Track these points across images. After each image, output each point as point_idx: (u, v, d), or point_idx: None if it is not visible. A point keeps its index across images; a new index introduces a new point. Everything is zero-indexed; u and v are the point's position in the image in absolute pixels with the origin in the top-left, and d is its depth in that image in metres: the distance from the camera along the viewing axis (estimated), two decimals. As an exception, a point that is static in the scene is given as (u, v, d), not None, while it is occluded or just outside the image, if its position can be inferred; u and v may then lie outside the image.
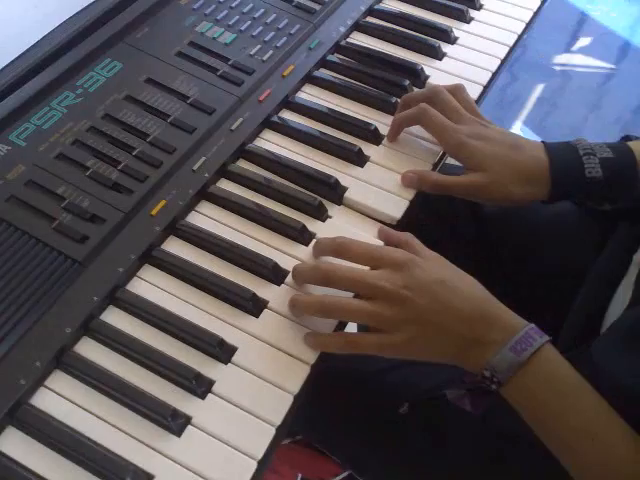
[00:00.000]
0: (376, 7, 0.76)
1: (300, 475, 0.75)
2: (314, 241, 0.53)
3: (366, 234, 0.55)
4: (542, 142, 0.59)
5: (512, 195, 0.56)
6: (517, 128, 1.74)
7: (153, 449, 0.42)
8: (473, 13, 0.78)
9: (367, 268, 0.49)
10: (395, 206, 0.57)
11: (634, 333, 0.47)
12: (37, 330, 0.46)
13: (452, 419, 0.59)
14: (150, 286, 0.51)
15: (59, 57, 0.60)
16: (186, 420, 0.44)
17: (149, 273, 0.52)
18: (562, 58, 1.98)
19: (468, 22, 0.77)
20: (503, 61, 0.73)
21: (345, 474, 0.66)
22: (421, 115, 0.58)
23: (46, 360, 0.44)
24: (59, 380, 0.45)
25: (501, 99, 1.82)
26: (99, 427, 0.43)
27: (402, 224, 0.57)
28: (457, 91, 0.61)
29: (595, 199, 0.58)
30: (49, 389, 0.44)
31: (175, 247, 0.54)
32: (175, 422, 0.43)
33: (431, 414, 0.59)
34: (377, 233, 0.54)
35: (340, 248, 0.50)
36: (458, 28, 0.76)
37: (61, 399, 0.44)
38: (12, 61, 0.58)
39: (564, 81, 1.92)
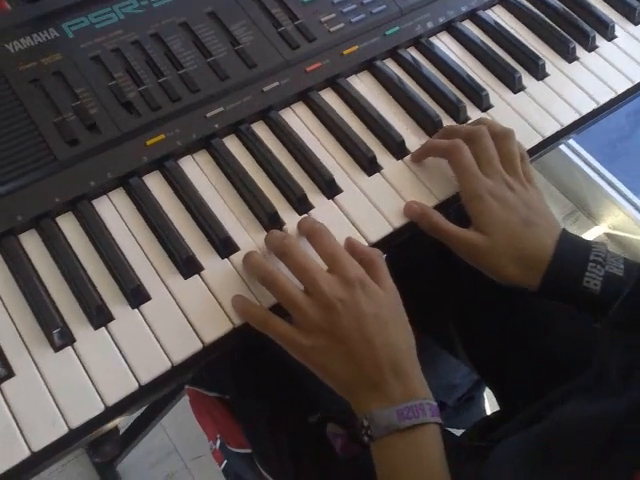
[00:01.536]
0: (480, 13, 0.67)
1: (219, 439, 0.74)
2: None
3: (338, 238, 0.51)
4: (563, 229, 0.51)
5: (504, 272, 0.51)
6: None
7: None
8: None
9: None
10: (376, 228, 0.53)
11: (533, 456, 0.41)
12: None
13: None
14: (113, 210, 0.51)
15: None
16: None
17: (119, 198, 0.52)
18: None
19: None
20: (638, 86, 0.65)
21: (249, 451, 0.66)
22: (453, 152, 0.53)
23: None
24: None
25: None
26: None
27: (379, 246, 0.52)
28: (503, 139, 0.54)
29: (587, 312, 0.50)
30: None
31: (154, 183, 0.53)
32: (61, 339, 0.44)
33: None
34: (344, 242, 0.51)
35: (313, 234, 0.48)
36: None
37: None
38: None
39: None
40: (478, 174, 0.51)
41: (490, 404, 0.98)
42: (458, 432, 0.98)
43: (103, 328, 0.46)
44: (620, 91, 0.63)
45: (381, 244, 0.52)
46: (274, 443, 0.61)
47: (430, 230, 0.52)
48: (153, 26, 0.58)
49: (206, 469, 1.08)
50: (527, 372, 0.65)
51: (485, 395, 0.95)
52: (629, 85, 0.64)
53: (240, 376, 0.65)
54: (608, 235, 1.45)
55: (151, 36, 0.58)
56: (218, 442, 0.70)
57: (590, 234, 1.45)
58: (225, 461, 0.72)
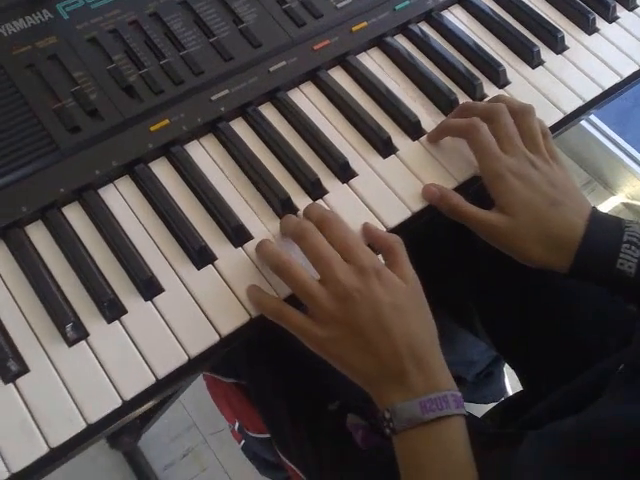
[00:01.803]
0: (493, -15, 0.71)
1: (237, 423, 0.80)
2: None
3: (355, 224, 0.55)
4: (593, 207, 0.55)
5: (529, 254, 0.54)
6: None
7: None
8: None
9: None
10: (394, 212, 0.57)
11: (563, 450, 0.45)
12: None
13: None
14: (120, 199, 0.55)
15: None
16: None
17: (125, 186, 0.56)
18: None
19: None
20: None
21: (267, 436, 0.71)
22: (470, 131, 0.56)
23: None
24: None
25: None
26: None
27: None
28: (522, 115, 0.57)
29: (621, 294, 0.54)
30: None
31: (161, 170, 0.57)
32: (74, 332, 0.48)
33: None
34: (361, 228, 0.54)
35: (324, 222, 0.51)
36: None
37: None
38: None
39: None
40: (498, 153, 0.55)
41: (510, 380, 1.05)
42: (478, 407, 1.04)
43: (117, 322, 0.50)
44: (644, 63, 0.67)
45: (399, 229, 0.56)
46: (293, 430, 0.65)
47: (450, 213, 0.56)
48: (152, 5, 0.62)
49: (225, 443, 1.18)
50: (551, 353, 0.69)
51: (505, 371, 1.01)
52: (653, 57, 0.68)
53: (256, 363, 0.69)
54: (626, 205, 1.52)
55: (150, 15, 0.61)
56: (237, 425, 0.74)
57: (607, 204, 1.52)
58: (243, 441, 0.77)
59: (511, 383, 1.07)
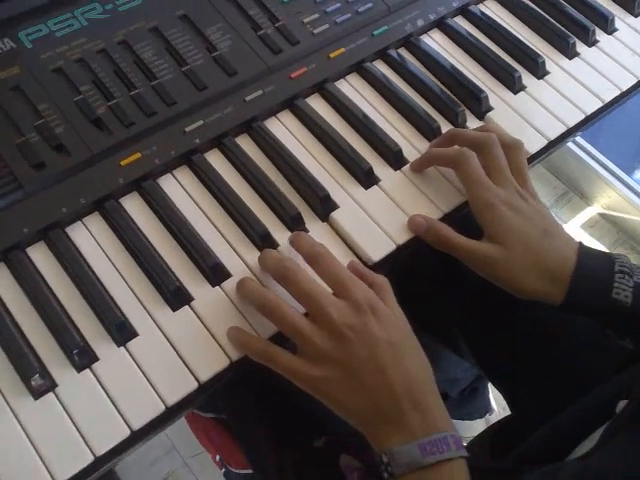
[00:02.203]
0: (472, 8, 0.71)
1: (218, 456, 0.78)
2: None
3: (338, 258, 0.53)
4: (579, 243, 0.55)
5: (521, 285, 0.53)
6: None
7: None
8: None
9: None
10: (378, 245, 0.56)
11: None
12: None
13: None
14: (89, 238, 0.53)
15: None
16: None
17: (95, 224, 0.54)
18: None
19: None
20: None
21: (250, 471, 0.69)
22: (460, 162, 0.56)
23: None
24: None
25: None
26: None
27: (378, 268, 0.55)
28: (514, 149, 0.57)
29: (616, 328, 0.54)
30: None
31: (132, 206, 0.55)
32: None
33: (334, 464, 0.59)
34: (347, 267, 0.53)
35: (315, 257, 0.50)
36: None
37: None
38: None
39: None
40: (489, 183, 0.55)
41: (494, 395, 1.06)
42: (463, 425, 1.03)
43: (87, 370, 0.47)
44: (625, 88, 0.68)
45: (384, 263, 0.55)
46: (278, 467, 0.63)
47: (438, 244, 0.55)
48: (120, 32, 0.60)
49: (207, 467, 1.15)
50: (538, 378, 0.69)
51: (490, 386, 1.02)
52: (634, 81, 0.69)
53: (237, 397, 0.67)
54: (602, 215, 1.55)
55: (119, 44, 0.60)
56: (217, 457, 0.73)
57: (583, 215, 1.55)
58: (224, 469, 0.75)
59: (496, 398, 1.08)
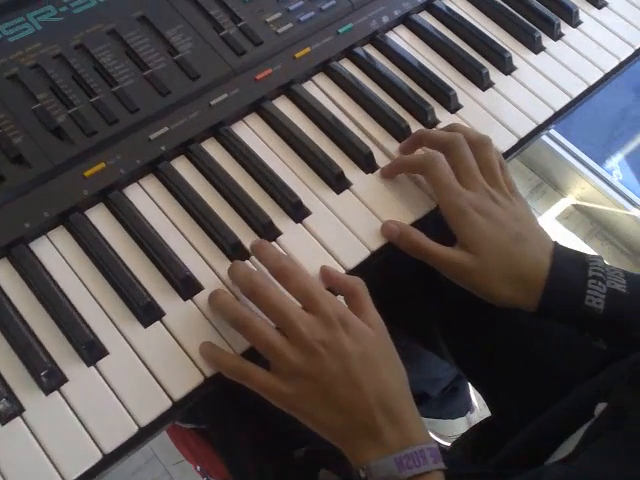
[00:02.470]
0: (437, 3, 0.71)
1: (199, 467, 0.78)
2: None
3: (311, 266, 0.54)
4: (555, 243, 0.55)
5: (495, 293, 0.54)
6: (617, 160, 1.64)
7: None
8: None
9: None
10: (352, 252, 0.56)
11: None
12: None
13: None
14: (54, 252, 0.52)
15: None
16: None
17: (60, 238, 0.53)
18: None
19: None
20: (609, 75, 0.71)
21: None
22: (428, 167, 0.55)
23: None
24: None
25: (617, 121, 1.71)
26: None
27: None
28: (481, 147, 0.57)
29: (590, 332, 0.54)
30: None
31: (98, 218, 0.54)
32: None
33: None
34: (319, 272, 0.53)
35: (282, 271, 0.49)
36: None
37: None
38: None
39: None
40: (458, 187, 0.54)
41: (476, 394, 1.07)
42: (445, 423, 1.05)
43: (56, 392, 0.46)
44: (592, 82, 0.69)
45: (358, 269, 0.55)
46: (258, 478, 0.63)
47: (411, 251, 0.55)
48: (77, 36, 0.59)
49: (188, 473, 1.15)
50: (518, 380, 0.70)
51: (470, 385, 1.02)
52: (600, 74, 0.69)
53: (217, 407, 0.67)
54: (576, 206, 1.58)
55: (76, 48, 0.58)
56: (198, 467, 0.72)
57: (558, 207, 1.58)
58: (205, 479, 0.75)
59: (477, 396, 1.09)
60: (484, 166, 0.56)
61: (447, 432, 1.12)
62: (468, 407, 1.11)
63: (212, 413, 0.67)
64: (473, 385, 0.81)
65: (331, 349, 0.46)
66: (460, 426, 1.10)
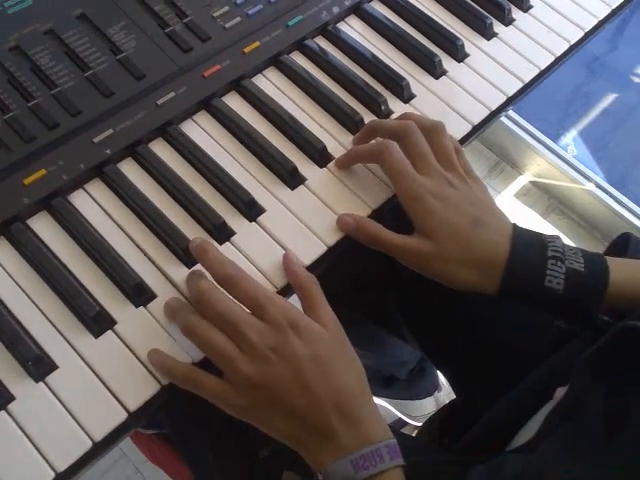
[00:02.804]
0: (388, -9, 0.69)
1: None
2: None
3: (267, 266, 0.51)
4: (513, 225, 0.54)
5: (455, 279, 0.52)
6: (571, 136, 1.64)
7: None
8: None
9: None
10: (309, 248, 0.53)
11: None
12: None
13: None
14: (-6, 263, 0.48)
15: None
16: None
17: (1, 248, 0.49)
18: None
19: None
20: (560, 58, 0.69)
21: None
22: (382, 155, 0.54)
23: None
24: None
25: (570, 98, 1.71)
26: None
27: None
28: (434, 133, 0.55)
29: (550, 312, 0.53)
30: None
31: (42, 227, 0.51)
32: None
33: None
34: (282, 259, 0.51)
35: (227, 280, 0.47)
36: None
37: None
38: None
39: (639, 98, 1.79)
40: (414, 174, 0.53)
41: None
42: (414, 404, 1.04)
43: (2, 412, 0.44)
44: (543, 66, 0.67)
45: (316, 265, 0.53)
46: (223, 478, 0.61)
47: (369, 243, 0.53)
48: (12, 37, 0.55)
49: (159, 470, 1.11)
50: (480, 361, 0.69)
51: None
52: (552, 59, 0.68)
53: (177, 411, 0.64)
54: (533, 183, 1.58)
55: (11, 50, 0.55)
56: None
57: (516, 184, 1.58)
58: None
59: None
60: (438, 151, 0.54)
61: (416, 412, 1.11)
62: (435, 386, 1.11)
63: (172, 417, 0.64)
64: (437, 367, 0.81)
65: (282, 355, 0.44)
66: (429, 405, 1.10)
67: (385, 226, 0.54)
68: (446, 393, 1.13)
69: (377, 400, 1.11)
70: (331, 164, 0.58)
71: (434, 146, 0.55)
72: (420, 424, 1.13)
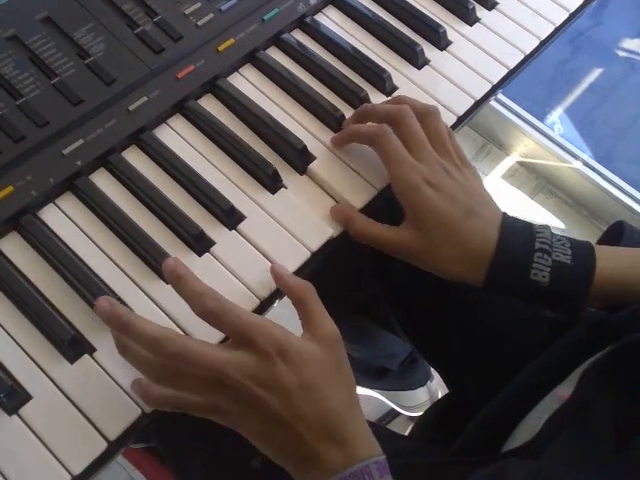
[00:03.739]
0: (365, -20, 0.62)
1: None
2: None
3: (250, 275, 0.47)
4: (503, 214, 0.49)
5: (442, 269, 0.49)
6: (557, 114, 1.58)
7: None
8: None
9: None
10: (292, 255, 0.49)
11: None
12: None
13: None
14: (-37, 289, 0.43)
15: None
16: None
17: (-32, 272, 0.44)
18: (631, 44, 1.76)
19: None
20: (545, 42, 0.63)
21: None
22: (378, 138, 0.49)
23: None
24: None
25: (555, 75, 1.64)
26: None
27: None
28: (428, 117, 0.50)
29: (535, 303, 0.49)
30: None
31: (12, 247, 0.46)
32: None
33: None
34: (270, 270, 0.46)
35: (210, 317, 0.41)
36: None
37: None
38: None
39: (625, 71, 1.72)
40: (410, 160, 0.48)
41: None
42: (406, 395, 1.00)
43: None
44: (528, 51, 0.62)
45: (300, 271, 0.48)
46: None
47: (357, 238, 0.50)
48: (-27, 46, 0.49)
49: None
50: (471, 354, 0.66)
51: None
52: (536, 42, 0.62)
53: (166, 424, 0.60)
54: (520, 164, 1.52)
55: (-28, 60, 0.49)
56: None
57: (503, 165, 1.52)
58: None
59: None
60: (433, 136, 0.50)
61: (409, 403, 1.07)
62: (428, 376, 1.07)
63: (161, 430, 0.60)
64: (429, 363, 0.76)
65: (269, 387, 0.39)
66: (422, 395, 1.06)
67: (378, 214, 0.50)
68: (438, 382, 1.08)
69: (370, 392, 1.07)
70: (312, 164, 0.52)
71: (428, 131, 0.50)
72: (413, 414, 1.09)
